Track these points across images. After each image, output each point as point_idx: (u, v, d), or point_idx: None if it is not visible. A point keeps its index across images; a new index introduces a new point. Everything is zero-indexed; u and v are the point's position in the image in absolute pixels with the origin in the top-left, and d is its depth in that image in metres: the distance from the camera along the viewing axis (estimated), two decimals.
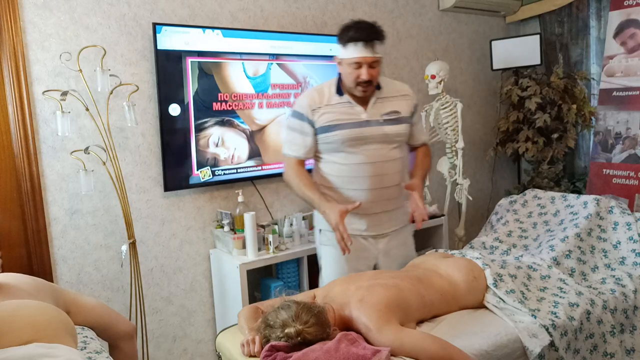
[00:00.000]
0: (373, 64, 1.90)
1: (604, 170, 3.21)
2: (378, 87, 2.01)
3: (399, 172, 2.04)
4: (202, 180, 2.50)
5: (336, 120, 1.95)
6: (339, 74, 2.00)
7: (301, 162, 2.02)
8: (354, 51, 1.87)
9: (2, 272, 1.48)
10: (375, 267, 2.07)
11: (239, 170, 2.62)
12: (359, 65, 1.88)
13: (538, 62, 3.41)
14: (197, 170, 2.48)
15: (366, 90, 1.93)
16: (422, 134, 2.19)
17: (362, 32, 1.87)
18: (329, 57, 2.85)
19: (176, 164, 2.43)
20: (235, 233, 2.49)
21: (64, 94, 2.10)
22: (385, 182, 1.99)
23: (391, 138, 1.99)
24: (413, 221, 1.94)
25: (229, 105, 2.55)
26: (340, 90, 1.99)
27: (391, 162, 2.00)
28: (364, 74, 1.88)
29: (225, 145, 2.56)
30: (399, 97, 2.05)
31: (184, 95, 2.41)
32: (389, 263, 2.07)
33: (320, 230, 2.11)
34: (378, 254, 2.05)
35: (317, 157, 2.05)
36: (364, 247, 2.03)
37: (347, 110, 1.97)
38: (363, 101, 1.99)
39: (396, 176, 2.02)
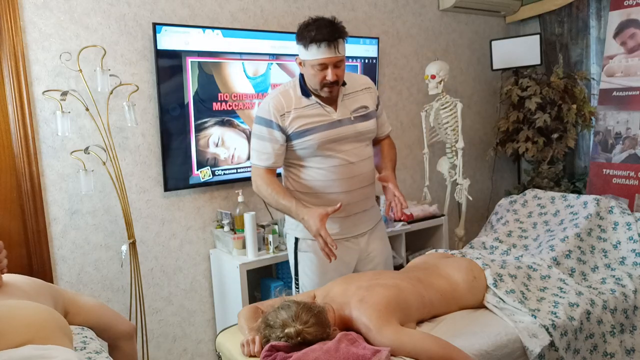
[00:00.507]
0: (338, 64, 1.82)
1: (604, 170, 3.21)
2: (343, 84, 1.95)
3: (373, 171, 2.04)
4: (202, 180, 2.50)
5: (309, 124, 1.87)
6: (301, 75, 1.92)
7: (272, 171, 1.93)
8: (317, 52, 1.78)
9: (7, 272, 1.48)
10: (356, 266, 2.04)
11: (239, 170, 2.62)
12: (324, 66, 1.80)
13: (538, 62, 3.41)
14: (197, 170, 2.48)
15: (332, 91, 1.87)
16: (386, 124, 2.14)
17: (324, 31, 1.77)
18: None
19: (176, 164, 2.43)
20: (235, 233, 2.49)
21: (64, 94, 2.10)
22: (362, 181, 1.98)
23: (364, 135, 1.97)
24: (392, 214, 1.91)
25: (229, 105, 2.55)
26: (306, 92, 1.90)
27: (365, 161, 1.99)
28: (329, 75, 1.80)
29: (225, 145, 2.56)
30: (363, 90, 2.00)
31: (184, 95, 2.41)
32: (370, 259, 2.06)
33: (296, 239, 2.01)
34: (360, 252, 2.03)
35: (291, 164, 1.98)
36: (345, 248, 1.98)
37: (318, 112, 1.89)
38: (331, 101, 1.92)
39: (370, 175, 2.01)
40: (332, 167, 1.91)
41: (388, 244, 2.18)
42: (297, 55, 1.89)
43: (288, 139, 1.90)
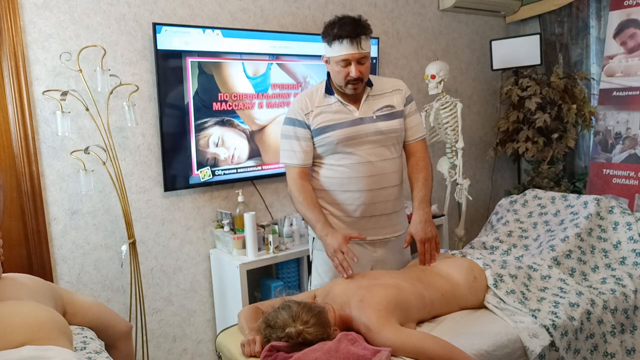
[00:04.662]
0: (362, 60, 1.83)
1: (604, 170, 3.21)
2: (370, 85, 1.95)
3: (397, 172, 1.99)
4: (202, 180, 2.50)
5: (329, 121, 1.89)
6: (328, 74, 1.95)
7: (304, 173, 1.93)
8: (341, 49, 1.81)
9: (3, 271, 1.48)
10: None
11: (239, 170, 2.62)
12: (347, 62, 1.82)
13: (538, 62, 3.41)
14: (197, 170, 2.48)
15: (356, 88, 1.87)
16: (417, 127, 2.04)
17: (347, 28, 1.79)
18: None
19: (176, 164, 2.43)
20: (235, 233, 2.49)
21: (64, 94, 2.10)
22: (383, 182, 1.94)
23: (386, 134, 1.93)
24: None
25: (229, 105, 2.55)
26: (330, 91, 1.94)
27: (388, 162, 1.94)
28: (353, 71, 1.82)
29: (225, 145, 2.56)
30: (391, 92, 1.99)
31: (184, 95, 2.41)
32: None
33: (313, 238, 2.03)
34: (375, 261, 1.99)
35: (312, 163, 1.99)
36: (359, 254, 1.90)
37: (340, 109, 1.91)
38: (354, 99, 1.93)
39: (393, 176, 1.97)
40: (350, 164, 1.91)
41: (408, 256, 2.13)
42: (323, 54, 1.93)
43: (311, 135, 1.93)
